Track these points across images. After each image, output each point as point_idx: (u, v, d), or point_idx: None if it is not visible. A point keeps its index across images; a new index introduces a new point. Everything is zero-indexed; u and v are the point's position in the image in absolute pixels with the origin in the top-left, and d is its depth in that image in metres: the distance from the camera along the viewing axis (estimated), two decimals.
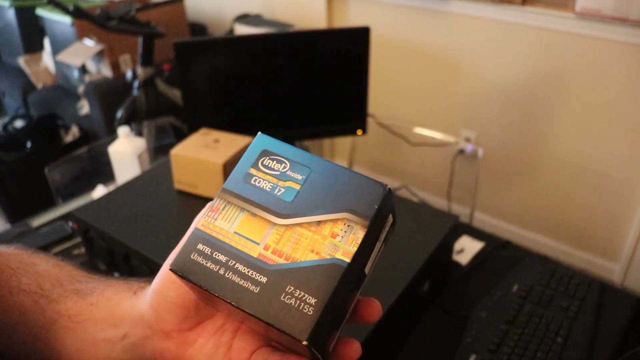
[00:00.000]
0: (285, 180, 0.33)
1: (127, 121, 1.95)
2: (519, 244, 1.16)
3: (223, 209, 0.33)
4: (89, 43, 2.21)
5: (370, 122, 1.67)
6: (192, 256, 0.32)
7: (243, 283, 0.31)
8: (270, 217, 0.32)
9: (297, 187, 0.33)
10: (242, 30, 2.23)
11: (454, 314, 0.96)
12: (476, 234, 1.17)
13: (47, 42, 2.52)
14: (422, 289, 0.92)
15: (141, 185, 1.08)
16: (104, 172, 1.43)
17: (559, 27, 1.70)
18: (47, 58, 2.63)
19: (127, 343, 0.36)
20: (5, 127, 2.51)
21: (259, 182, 0.34)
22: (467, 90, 2.02)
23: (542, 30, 1.75)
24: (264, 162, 0.35)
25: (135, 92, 1.96)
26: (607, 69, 1.67)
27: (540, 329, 0.89)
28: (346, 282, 0.31)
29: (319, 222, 0.32)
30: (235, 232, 0.32)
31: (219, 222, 0.33)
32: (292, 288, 0.30)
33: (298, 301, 0.30)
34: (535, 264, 1.05)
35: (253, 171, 0.34)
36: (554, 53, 1.76)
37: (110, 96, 2.22)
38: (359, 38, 1.39)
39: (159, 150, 1.87)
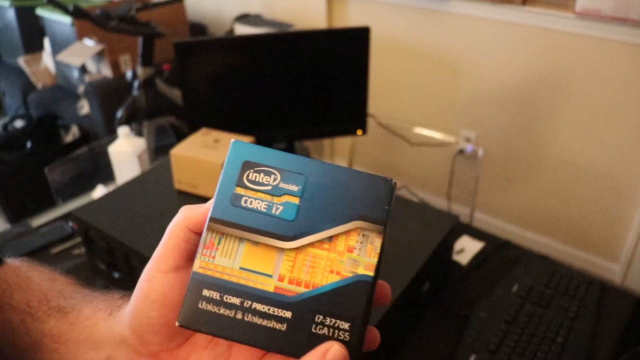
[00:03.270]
0: (280, 196, 0.30)
1: (127, 121, 1.95)
2: (519, 244, 1.16)
3: (219, 244, 0.29)
4: (89, 43, 2.21)
5: (370, 122, 1.67)
6: (200, 305, 0.29)
7: (267, 324, 0.28)
8: (275, 243, 0.29)
9: (296, 200, 0.30)
10: (242, 30, 2.23)
11: (454, 314, 0.96)
12: (476, 234, 1.17)
13: (47, 42, 2.52)
14: (422, 289, 0.92)
15: (141, 185, 1.08)
16: (104, 172, 1.43)
17: (559, 27, 1.70)
18: (47, 58, 2.63)
19: None
20: (5, 127, 2.51)
21: (250, 203, 0.30)
22: (467, 90, 2.02)
23: (542, 30, 1.75)
24: (250, 177, 0.30)
25: (135, 92, 1.96)
26: (607, 69, 1.67)
27: (540, 329, 0.89)
28: (372, 293, 0.29)
29: (330, 238, 0.29)
30: (241, 268, 0.29)
31: (218, 259, 0.29)
32: (322, 317, 0.28)
33: (331, 329, 0.28)
34: (535, 264, 1.05)
35: (240, 190, 0.30)
36: (554, 53, 1.76)
37: (110, 96, 2.22)
38: (359, 38, 1.39)
39: (159, 150, 1.86)
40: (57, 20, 2.29)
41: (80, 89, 2.38)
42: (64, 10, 1.76)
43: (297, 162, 0.30)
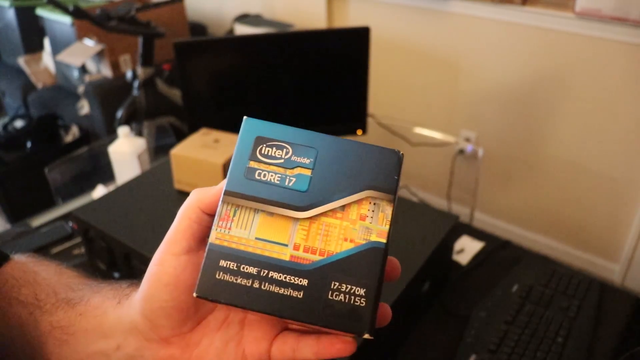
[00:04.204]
0: (292, 168, 0.31)
1: (127, 121, 1.95)
2: (519, 244, 1.16)
3: (234, 215, 0.30)
4: (89, 43, 2.21)
5: (370, 122, 1.67)
6: (217, 276, 0.29)
7: (284, 291, 0.29)
8: (289, 213, 0.30)
9: (308, 172, 0.31)
10: (242, 30, 2.23)
11: (454, 314, 0.96)
12: (476, 234, 1.17)
13: (47, 42, 2.52)
14: (422, 288, 0.92)
15: (141, 185, 1.08)
16: (104, 172, 1.43)
17: (559, 27, 1.70)
18: (47, 58, 2.63)
19: (122, 354, 0.34)
20: (5, 127, 2.51)
21: (264, 176, 0.31)
22: (467, 90, 2.02)
23: (542, 30, 1.75)
24: (262, 151, 0.31)
25: (135, 92, 1.96)
26: (607, 69, 1.67)
27: (540, 329, 0.89)
28: (385, 260, 0.30)
29: (343, 207, 0.30)
30: (257, 238, 0.30)
31: (234, 230, 0.30)
32: (337, 284, 0.29)
33: (347, 296, 0.29)
34: (535, 264, 1.05)
35: (253, 164, 0.31)
36: (554, 53, 1.76)
37: (110, 96, 2.22)
38: (359, 38, 1.39)
39: (159, 150, 1.86)
40: (57, 20, 2.29)
41: (80, 89, 2.38)
42: (64, 10, 1.76)
43: (307, 136, 0.31)
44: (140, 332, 0.33)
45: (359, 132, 1.50)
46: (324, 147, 0.31)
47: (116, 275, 1.00)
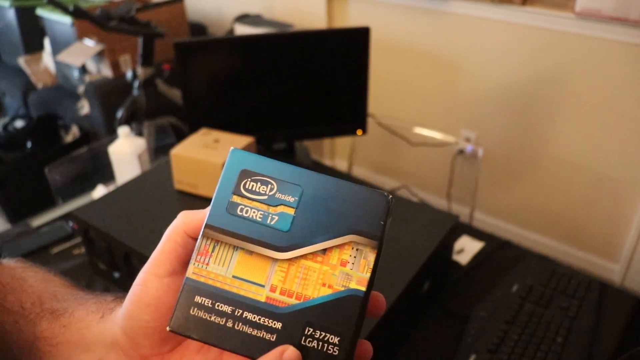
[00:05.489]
0: (276, 206, 0.30)
1: (127, 121, 1.95)
2: (519, 244, 1.16)
3: (213, 251, 0.29)
4: (89, 43, 2.21)
5: (370, 122, 1.67)
6: (191, 312, 0.29)
7: (257, 333, 0.28)
8: (269, 253, 0.29)
9: (292, 211, 0.30)
10: (242, 30, 2.23)
11: (454, 314, 0.96)
12: (476, 234, 1.17)
13: (47, 42, 2.52)
14: (422, 288, 0.92)
15: (141, 185, 1.09)
16: (104, 172, 1.43)
17: (559, 27, 1.70)
18: (47, 58, 2.62)
19: None
20: (5, 127, 2.51)
21: (246, 212, 0.30)
22: (467, 90, 2.02)
23: (542, 30, 1.75)
24: (247, 186, 0.30)
25: (135, 92, 1.96)
26: (607, 69, 1.67)
27: (540, 329, 0.89)
28: (364, 308, 0.29)
29: (324, 250, 0.29)
30: (233, 277, 0.29)
31: (212, 266, 0.29)
32: (311, 330, 0.28)
33: (321, 343, 0.28)
34: (535, 264, 1.05)
35: (236, 199, 0.30)
36: (554, 53, 1.76)
37: (110, 96, 2.22)
38: (359, 38, 1.39)
39: (159, 150, 1.86)
40: (57, 20, 2.29)
41: (80, 89, 2.38)
42: (64, 10, 1.76)
43: (294, 172, 0.30)
44: (121, 348, 0.33)
45: (359, 132, 1.50)
46: (310, 185, 0.30)
47: (116, 275, 1.00)
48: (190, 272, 0.29)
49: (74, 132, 2.41)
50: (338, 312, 0.28)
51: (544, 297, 0.95)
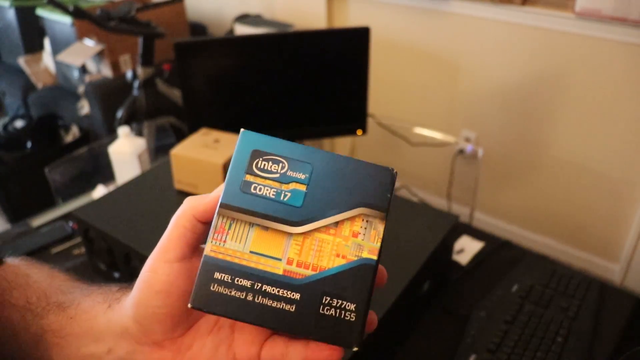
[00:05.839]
0: (288, 183, 0.31)
1: (127, 121, 1.95)
2: (519, 244, 1.16)
3: (229, 228, 0.31)
4: (89, 43, 2.21)
5: (370, 122, 1.67)
6: (211, 288, 0.30)
7: (276, 305, 0.30)
8: (284, 228, 0.30)
9: (303, 188, 0.31)
10: (242, 30, 2.23)
11: (454, 314, 0.96)
12: (476, 234, 1.17)
13: (47, 42, 2.52)
14: (422, 288, 0.92)
15: (141, 185, 1.08)
16: (104, 172, 1.43)
17: (559, 27, 1.70)
18: (47, 58, 2.63)
19: (113, 357, 0.34)
20: (5, 127, 2.51)
21: (260, 190, 0.31)
22: (467, 90, 2.02)
23: (542, 30, 1.75)
24: (259, 165, 0.32)
25: (135, 92, 1.96)
26: (607, 69, 1.67)
27: (540, 329, 0.89)
28: (375, 276, 0.31)
29: (336, 223, 0.31)
30: (251, 252, 0.30)
31: (229, 243, 0.30)
32: (329, 299, 0.30)
33: (338, 310, 0.30)
34: (535, 264, 1.05)
35: (249, 177, 0.31)
36: (554, 53, 1.76)
37: (110, 96, 2.22)
38: (359, 38, 1.39)
39: (159, 150, 1.87)
40: (57, 20, 2.29)
41: (80, 89, 2.38)
42: (64, 10, 1.76)
43: (303, 151, 0.32)
44: (132, 336, 0.33)
45: (359, 132, 1.50)
46: (320, 162, 0.32)
47: (116, 275, 1.00)
48: (209, 249, 0.30)
49: (74, 132, 2.41)
50: (352, 280, 0.30)
51: (544, 297, 0.95)
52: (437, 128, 1.99)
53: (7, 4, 2.60)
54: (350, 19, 2.22)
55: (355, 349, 0.29)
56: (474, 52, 1.94)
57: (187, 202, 0.33)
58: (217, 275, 0.30)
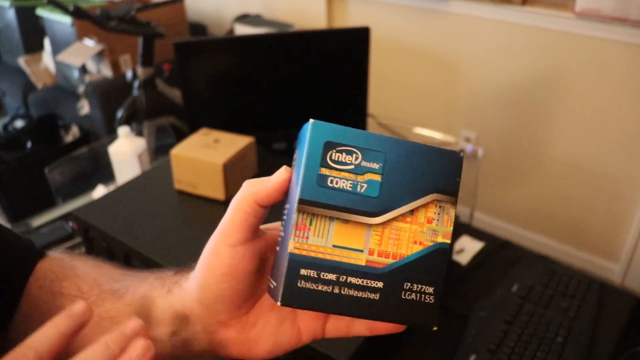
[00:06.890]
0: (363, 174, 0.31)
1: (127, 121, 1.95)
2: (519, 244, 1.16)
3: (311, 224, 0.31)
4: (89, 43, 2.21)
5: (370, 122, 1.67)
6: (299, 284, 0.30)
7: (362, 294, 0.31)
8: (363, 219, 0.31)
9: (378, 178, 0.31)
10: (242, 30, 2.23)
11: (454, 314, 0.96)
12: (476, 234, 1.17)
13: (47, 42, 2.52)
14: None
15: (141, 185, 1.09)
16: (104, 172, 1.43)
17: (559, 27, 1.70)
18: (47, 58, 2.63)
19: (177, 340, 0.35)
20: (5, 127, 2.51)
21: (336, 183, 0.31)
22: (467, 90, 2.02)
23: (542, 30, 1.75)
24: (333, 157, 0.31)
25: (135, 92, 1.96)
26: (607, 69, 1.67)
27: (540, 329, 0.89)
28: (450, 259, 0.32)
29: (412, 211, 0.31)
30: (334, 246, 0.31)
31: (312, 239, 0.31)
32: (409, 284, 0.31)
33: (418, 294, 0.31)
34: (535, 264, 1.05)
35: (325, 171, 0.31)
36: (554, 53, 1.76)
37: (110, 96, 2.22)
38: (359, 38, 1.39)
39: (159, 150, 1.86)
40: (57, 20, 2.29)
41: (80, 89, 2.38)
42: (64, 10, 1.76)
43: (374, 140, 0.32)
44: (197, 317, 0.35)
45: None
46: (391, 150, 0.32)
47: None
48: (292, 247, 0.30)
49: (74, 132, 2.41)
50: (430, 265, 0.31)
51: (544, 297, 0.95)
52: (437, 128, 1.99)
53: (7, 4, 2.60)
54: (350, 19, 2.21)
55: (435, 328, 0.31)
56: (474, 52, 1.94)
57: (248, 187, 0.33)
58: (303, 271, 0.30)
